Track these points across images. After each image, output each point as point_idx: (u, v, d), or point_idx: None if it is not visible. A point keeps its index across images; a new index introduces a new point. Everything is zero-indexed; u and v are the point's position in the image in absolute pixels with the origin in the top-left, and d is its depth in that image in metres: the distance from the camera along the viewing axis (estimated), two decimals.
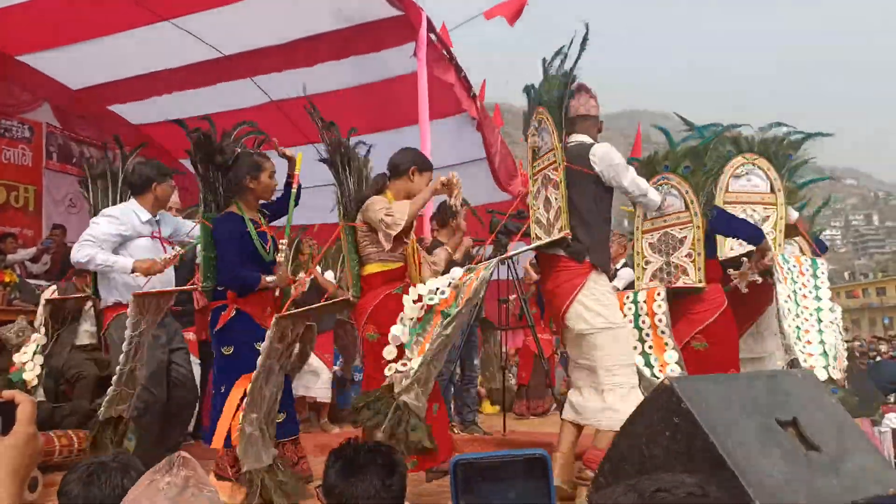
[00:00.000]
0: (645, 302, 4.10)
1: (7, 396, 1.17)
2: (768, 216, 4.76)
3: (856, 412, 2.90)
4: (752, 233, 4.31)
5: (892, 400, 7.89)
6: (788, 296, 4.36)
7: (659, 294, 4.11)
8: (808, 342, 4.32)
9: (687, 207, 4.14)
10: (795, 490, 1.82)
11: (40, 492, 3.88)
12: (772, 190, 4.78)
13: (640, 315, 4.09)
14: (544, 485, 0.75)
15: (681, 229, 4.15)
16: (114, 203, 4.56)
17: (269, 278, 3.74)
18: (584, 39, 3.69)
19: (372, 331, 3.60)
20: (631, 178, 3.75)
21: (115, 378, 4.00)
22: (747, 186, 4.83)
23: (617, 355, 3.61)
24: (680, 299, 4.15)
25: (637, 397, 3.57)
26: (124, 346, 3.94)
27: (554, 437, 4.12)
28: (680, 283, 4.12)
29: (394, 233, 3.60)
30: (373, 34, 6.98)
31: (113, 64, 7.68)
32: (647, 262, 4.28)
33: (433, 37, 6.89)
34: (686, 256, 4.11)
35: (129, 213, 4.39)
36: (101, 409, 4.01)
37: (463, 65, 7.47)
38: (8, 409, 1.15)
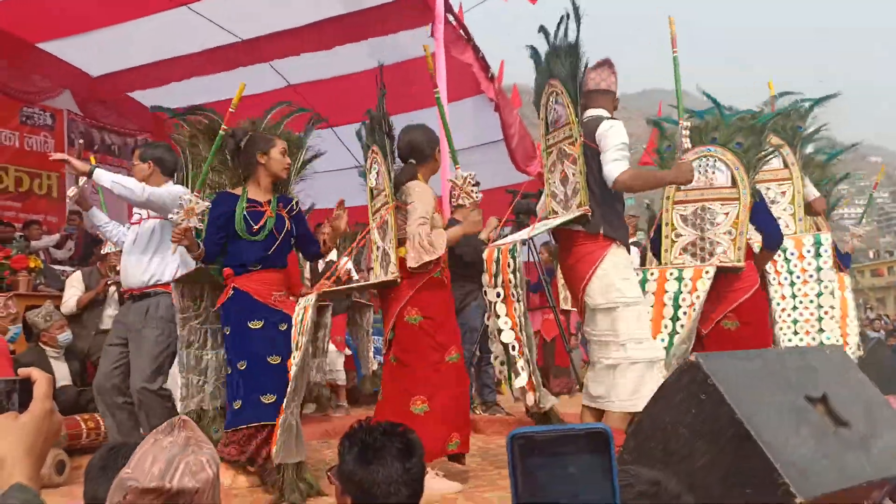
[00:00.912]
0: (691, 279, 3.94)
1: (24, 374, 1.17)
2: (784, 191, 4.66)
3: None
4: (774, 237, 4.16)
5: None
6: (782, 295, 4.36)
7: (707, 272, 3.95)
8: (807, 332, 4.30)
9: (735, 184, 4.01)
10: (825, 467, 1.80)
11: (68, 474, 3.94)
12: (785, 165, 4.68)
13: (681, 293, 3.93)
14: (606, 460, 0.72)
15: (723, 205, 4.02)
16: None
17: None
18: (576, 8, 3.69)
19: (414, 314, 3.60)
20: (611, 155, 3.63)
21: (180, 368, 3.93)
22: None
23: (632, 331, 3.59)
24: (714, 278, 4.03)
25: (654, 375, 3.56)
26: (178, 331, 3.91)
27: (577, 417, 4.12)
28: (726, 262, 3.98)
29: (429, 258, 3.57)
30: (390, 15, 6.93)
31: (131, 50, 7.70)
32: (678, 235, 4.14)
33: (450, 17, 6.83)
34: (725, 234, 4.00)
35: None
36: (180, 403, 3.94)
37: (480, 45, 7.41)
38: (25, 387, 1.15)
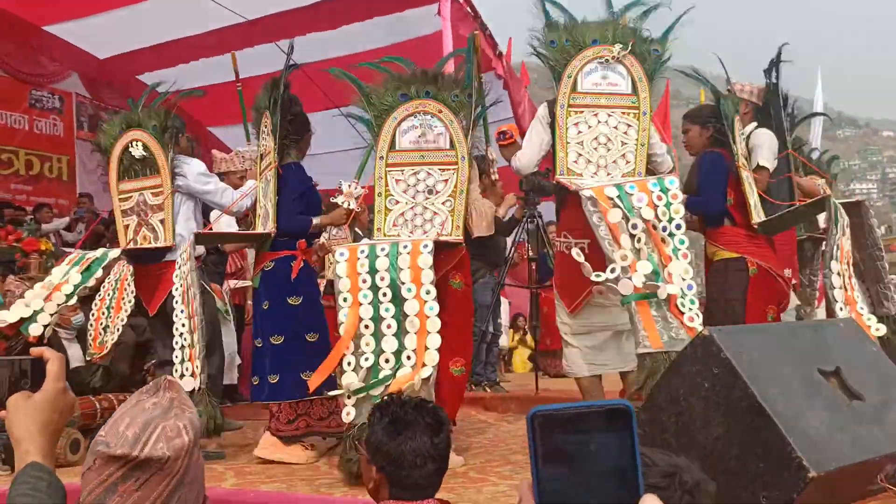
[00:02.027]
0: None
1: (36, 353, 1.18)
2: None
3: None
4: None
5: None
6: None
7: None
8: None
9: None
10: (838, 439, 1.80)
11: (83, 453, 3.98)
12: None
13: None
14: (627, 436, 0.71)
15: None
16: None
17: (316, 219, 3.92)
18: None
19: (458, 279, 3.64)
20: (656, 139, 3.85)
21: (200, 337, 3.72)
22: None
23: None
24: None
25: None
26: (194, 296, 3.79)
27: (579, 395, 4.15)
28: None
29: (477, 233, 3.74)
30: None
31: (138, 32, 7.68)
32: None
33: None
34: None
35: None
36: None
37: (487, 23, 7.36)
38: (38, 367, 1.17)
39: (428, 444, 1.72)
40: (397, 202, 3.69)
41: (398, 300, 3.27)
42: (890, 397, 1.99)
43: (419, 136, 3.70)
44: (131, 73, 8.69)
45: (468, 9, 7.07)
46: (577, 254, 3.42)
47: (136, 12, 7.17)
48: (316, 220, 3.90)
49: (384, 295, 3.29)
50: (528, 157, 3.95)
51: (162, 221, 4.08)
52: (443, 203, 3.64)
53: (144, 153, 4.11)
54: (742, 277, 4.07)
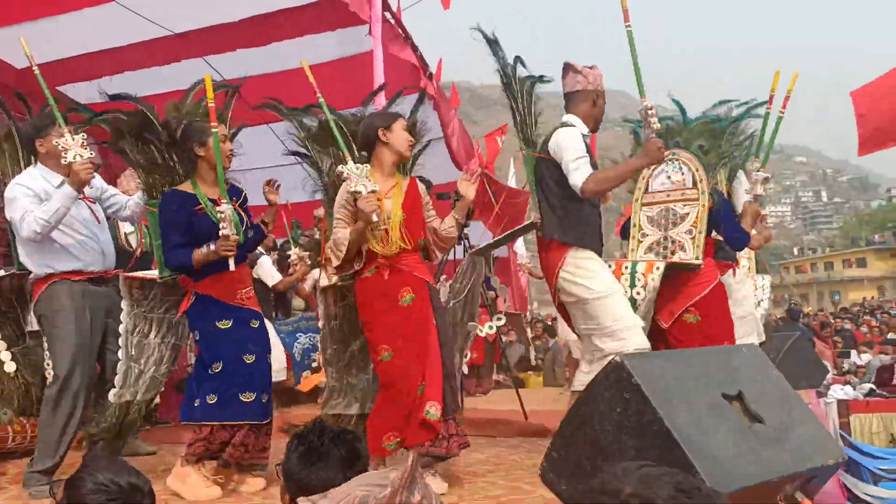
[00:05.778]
0: (643, 274, 4.01)
1: None
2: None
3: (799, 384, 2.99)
4: (737, 236, 4.31)
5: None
6: None
7: (657, 268, 4.03)
8: None
9: (695, 185, 4.15)
10: (741, 462, 1.89)
11: None
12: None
13: (635, 285, 4.00)
14: None
15: (684, 205, 4.16)
16: (25, 168, 4.19)
17: (203, 250, 3.53)
18: None
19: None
20: (570, 165, 3.68)
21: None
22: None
23: (608, 323, 3.63)
24: (674, 274, 4.12)
25: None
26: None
27: (505, 413, 4.20)
28: (677, 259, 4.10)
29: None
30: (329, 12, 6.89)
31: (59, 43, 7.45)
32: (644, 235, 4.23)
33: (388, 15, 6.83)
34: (686, 233, 4.13)
35: (36, 179, 3.88)
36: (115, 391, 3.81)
37: (418, 44, 7.43)
38: None
39: (340, 478, 1.70)
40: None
41: None
42: (790, 420, 2.11)
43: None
44: (51, 84, 8.42)
45: (399, 30, 7.13)
46: None
47: (56, 24, 6.97)
48: (203, 250, 3.56)
49: None
50: None
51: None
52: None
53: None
54: None
